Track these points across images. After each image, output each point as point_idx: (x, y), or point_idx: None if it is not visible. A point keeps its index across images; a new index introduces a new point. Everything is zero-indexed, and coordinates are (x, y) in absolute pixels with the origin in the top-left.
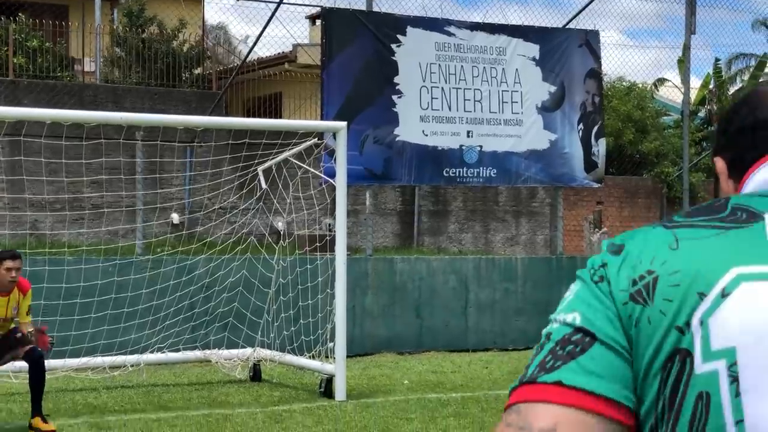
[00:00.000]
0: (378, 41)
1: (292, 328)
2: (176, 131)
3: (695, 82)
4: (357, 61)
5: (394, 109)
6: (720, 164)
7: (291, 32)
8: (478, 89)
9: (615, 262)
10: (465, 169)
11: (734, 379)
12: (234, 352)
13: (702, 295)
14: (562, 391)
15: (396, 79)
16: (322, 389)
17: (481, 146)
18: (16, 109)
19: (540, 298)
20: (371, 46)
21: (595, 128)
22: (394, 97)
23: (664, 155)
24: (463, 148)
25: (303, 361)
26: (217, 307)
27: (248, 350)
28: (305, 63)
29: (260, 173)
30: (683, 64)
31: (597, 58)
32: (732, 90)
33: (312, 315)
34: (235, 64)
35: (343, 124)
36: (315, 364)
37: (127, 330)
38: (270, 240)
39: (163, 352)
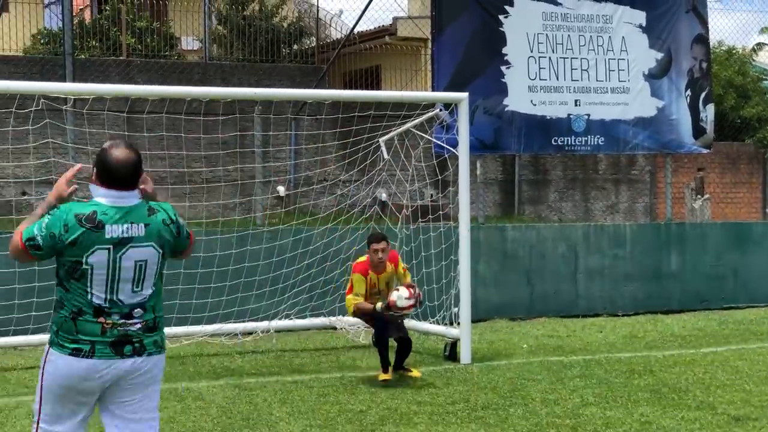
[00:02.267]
0: (486, 12)
1: None
2: (284, 105)
3: None
4: (466, 33)
5: (503, 80)
6: None
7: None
8: (585, 58)
9: None
10: (573, 137)
11: None
12: (357, 318)
13: None
14: None
15: (504, 50)
16: (447, 353)
17: (588, 115)
18: (152, 87)
19: (649, 263)
20: (479, 18)
21: (703, 94)
22: (503, 68)
23: (766, 120)
24: (571, 117)
25: (427, 325)
26: (341, 276)
27: None
28: (405, 36)
29: (382, 144)
30: None
31: (704, 23)
32: None
33: (436, 281)
34: (334, 39)
35: (464, 95)
36: (439, 328)
37: (257, 298)
38: (378, 211)
39: (291, 319)
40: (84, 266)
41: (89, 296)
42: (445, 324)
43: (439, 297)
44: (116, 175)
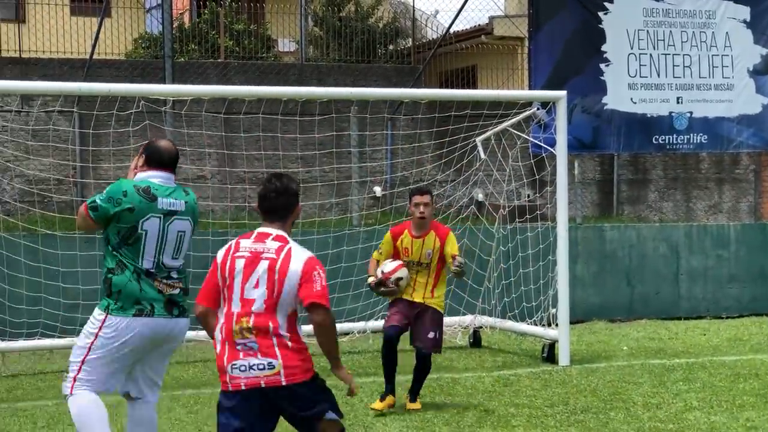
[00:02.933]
0: (585, 9)
1: (513, 295)
2: (380, 106)
3: None
4: (564, 31)
5: (602, 78)
6: None
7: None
8: (688, 54)
9: None
10: (675, 135)
11: None
12: (455, 319)
13: None
14: None
15: (603, 47)
16: (545, 354)
17: (691, 112)
18: (249, 88)
19: (754, 265)
20: (578, 15)
21: None
22: (602, 66)
23: None
24: (673, 114)
25: (524, 327)
26: None
27: (469, 317)
28: (501, 35)
29: (479, 144)
30: None
31: None
32: None
33: (533, 282)
34: (430, 39)
35: (562, 93)
36: (537, 329)
37: (353, 298)
38: (475, 211)
39: None
40: (139, 231)
41: (140, 261)
42: (543, 325)
43: (537, 298)
44: (165, 158)
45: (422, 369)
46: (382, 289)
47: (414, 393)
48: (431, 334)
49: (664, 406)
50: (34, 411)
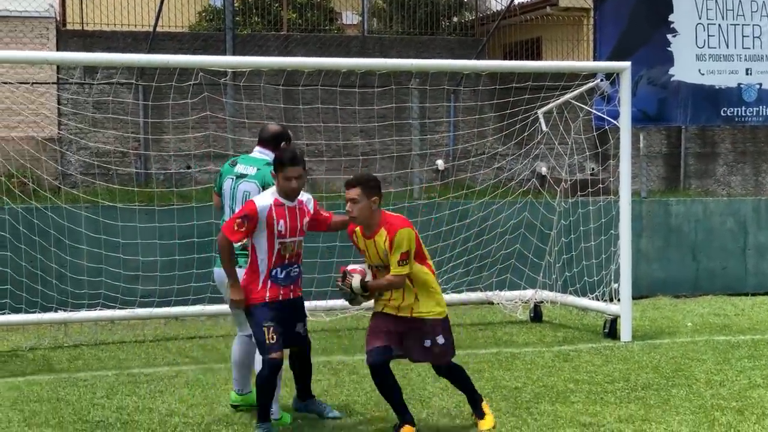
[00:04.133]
0: None
1: (574, 270)
2: (441, 78)
3: None
4: (630, 1)
5: (669, 49)
6: None
7: None
8: (758, 24)
9: None
10: (743, 108)
11: None
12: (515, 293)
13: None
14: None
15: (671, 17)
16: (607, 330)
17: (760, 84)
18: (308, 59)
19: None
20: None
21: None
22: (669, 36)
23: None
24: (742, 86)
25: (585, 302)
26: (498, 250)
27: (529, 291)
28: (566, 6)
29: (541, 116)
30: None
31: None
32: None
33: (595, 256)
34: (494, 11)
35: (626, 64)
36: (598, 305)
37: None
38: (536, 185)
39: (447, 293)
40: (222, 191)
41: (225, 216)
42: (605, 300)
43: (599, 272)
44: (263, 136)
45: (456, 379)
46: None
47: (475, 404)
48: (428, 342)
49: (727, 383)
50: (93, 381)
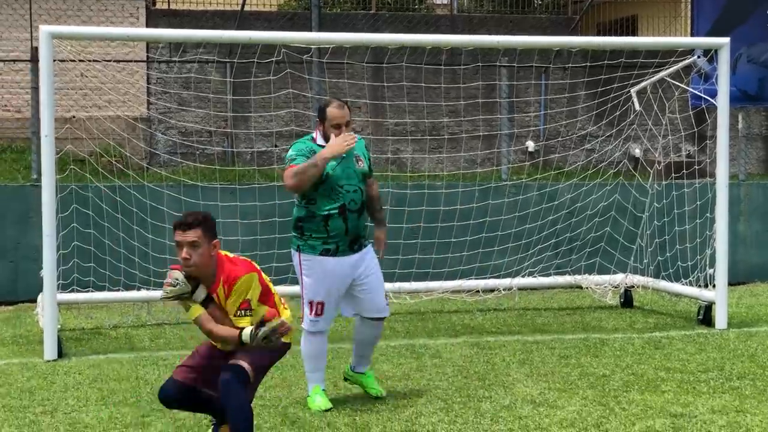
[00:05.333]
0: None
1: (667, 254)
2: (532, 56)
3: None
4: None
5: None
6: None
7: None
8: None
9: None
10: None
11: None
12: (605, 277)
13: None
14: None
15: None
16: (701, 317)
17: None
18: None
19: None
20: None
21: None
22: None
23: None
24: None
25: (678, 287)
26: (588, 233)
27: (620, 276)
28: None
29: (634, 95)
30: None
31: None
32: None
33: (689, 241)
34: None
35: (725, 40)
36: (692, 290)
37: (499, 254)
38: (629, 166)
39: (534, 277)
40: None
41: None
42: (699, 286)
43: (693, 257)
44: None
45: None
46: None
47: None
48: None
49: None
50: (174, 360)
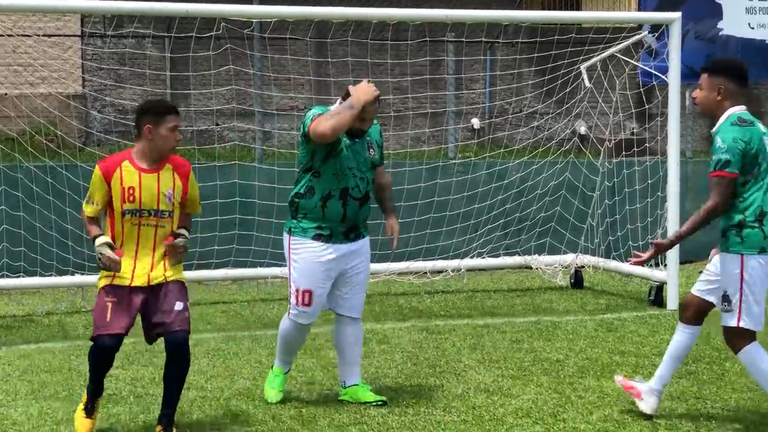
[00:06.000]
0: None
1: (618, 233)
2: (477, 32)
3: None
4: None
5: (718, 1)
6: None
7: None
8: None
9: None
10: None
11: None
12: (555, 257)
13: None
14: None
15: None
16: (652, 297)
17: None
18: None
19: None
20: None
21: None
22: None
23: None
24: None
25: (629, 267)
26: (537, 212)
27: (570, 256)
28: None
29: (584, 71)
30: None
31: None
32: None
33: (640, 220)
34: None
35: (676, 14)
36: (643, 270)
37: (447, 234)
38: (579, 144)
39: (483, 258)
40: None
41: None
42: (650, 266)
43: (644, 237)
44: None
45: (181, 367)
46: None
47: (169, 419)
48: (180, 305)
49: None
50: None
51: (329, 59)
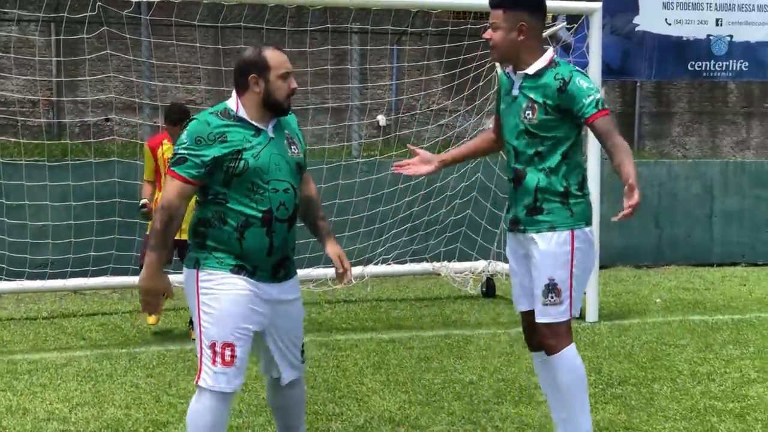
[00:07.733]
0: None
1: None
2: (383, 21)
3: None
4: None
5: None
6: None
7: None
8: None
9: None
10: (713, 62)
11: None
12: (466, 264)
13: None
14: None
15: None
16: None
17: (731, 36)
18: None
19: None
20: None
21: None
22: None
23: None
24: (711, 38)
25: None
26: (447, 216)
27: (482, 263)
28: None
29: (498, 67)
30: None
31: None
32: None
33: None
34: None
35: (597, 5)
36: None
37: (350, 239)
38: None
39: (388, 264)
40: None
41: None
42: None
43: None
44: None
45: None
46: None
47: None
48: None
49: (716, 377)
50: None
51: (220, 45)
